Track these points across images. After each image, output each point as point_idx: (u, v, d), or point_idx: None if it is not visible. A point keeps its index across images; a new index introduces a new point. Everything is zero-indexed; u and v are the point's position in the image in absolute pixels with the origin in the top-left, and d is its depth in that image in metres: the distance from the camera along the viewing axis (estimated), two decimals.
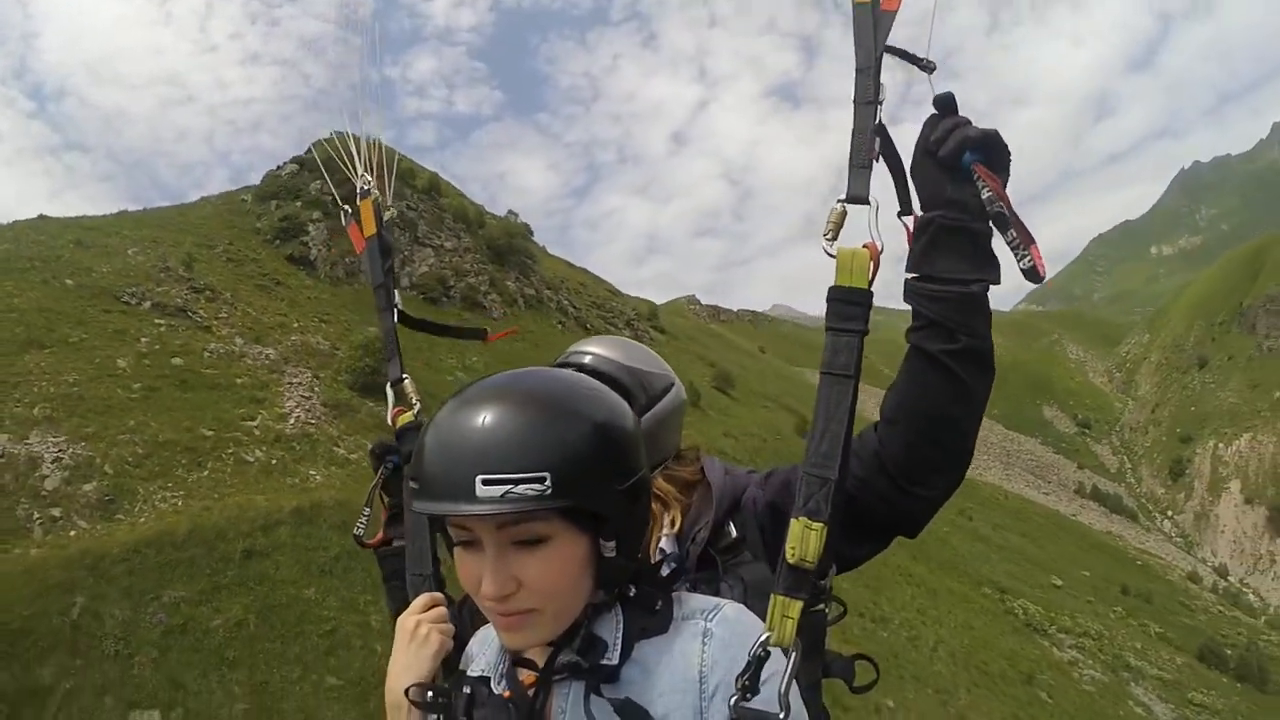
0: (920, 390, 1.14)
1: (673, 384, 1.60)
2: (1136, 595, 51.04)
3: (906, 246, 1.14)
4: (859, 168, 1.08)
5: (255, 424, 15.54)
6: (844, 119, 1.12)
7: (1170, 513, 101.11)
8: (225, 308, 21.70)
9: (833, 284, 1.05)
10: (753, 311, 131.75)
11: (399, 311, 1.60)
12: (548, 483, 0.85)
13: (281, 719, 8.76)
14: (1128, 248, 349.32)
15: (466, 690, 1.00)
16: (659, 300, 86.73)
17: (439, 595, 1.23)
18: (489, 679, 1.02)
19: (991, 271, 1.10)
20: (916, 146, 1.13)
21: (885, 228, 1.07)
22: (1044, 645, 31.74)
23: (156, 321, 18.90)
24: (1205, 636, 46.24)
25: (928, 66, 1.13)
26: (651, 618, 0.96)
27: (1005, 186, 1.07)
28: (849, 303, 1.04)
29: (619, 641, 0.94)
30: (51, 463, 11.65)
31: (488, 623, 1.05)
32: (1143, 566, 66.19)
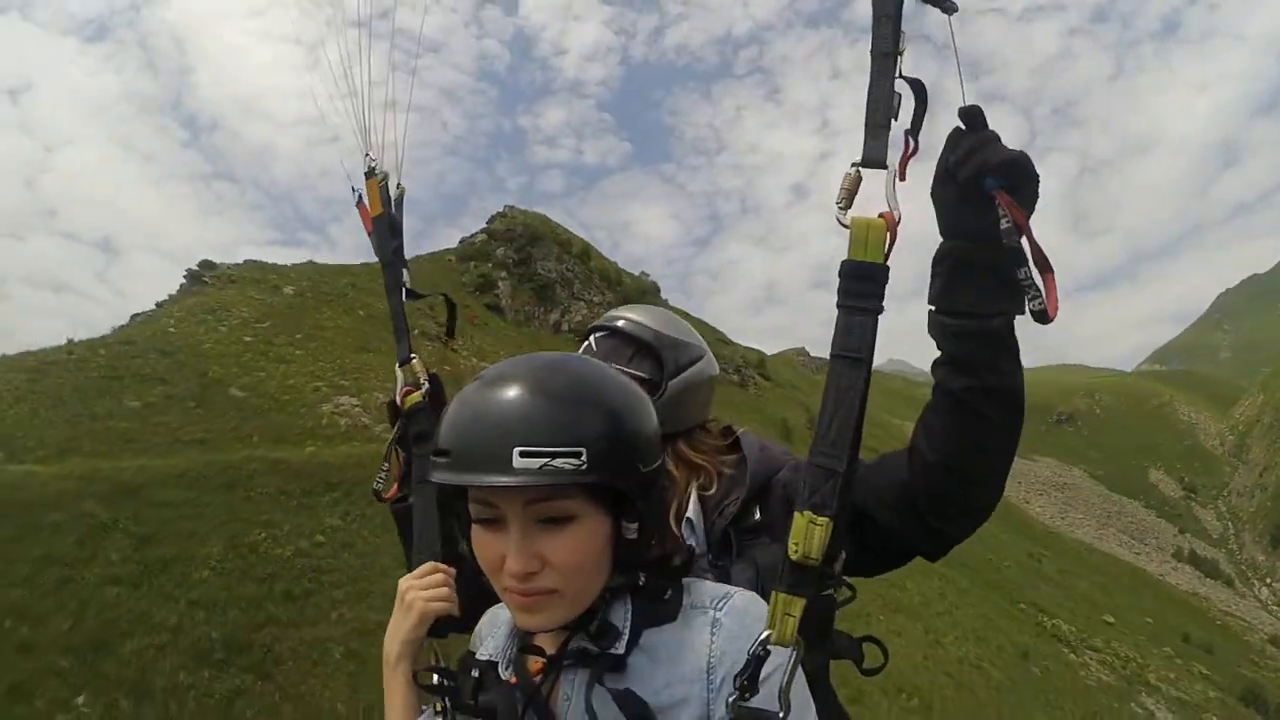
0: (943, 429, 1.14)
1: (703, 355, 1.63)
2: (1197, 644, 53.93)
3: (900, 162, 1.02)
4: (877, 127, 1.01)
5: None
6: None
7: (1269, 580, 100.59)
8: (460, 339, 32.75)
9: (845, 257, 0.98)
10: None
11: (407, 290, 1.65)
12: (584, 457, 0.88)
13: None
14: (1254, 303, 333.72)
15: (474, 674, 1.03)
16: (771, 350, 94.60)
17: (440, 565, 1.27)
18: (497, 663, 1.05)
19: (1014, 303, 1.04)
20: (937, 166, 1.06)
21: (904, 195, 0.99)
22: (1060, 649, 35.17)
23: (426, 343, 29.90)
24: (1256, 684, 48.71)
25: (949, 8, 1.03)
26: (661, 606, 0.99)
27: (1030, 214, 0.99)
28: (863, 278, 0.98)
29: (627, 630, 0.98)
30: None
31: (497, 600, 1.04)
32: (1221, 626, 68.57)
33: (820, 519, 0.94)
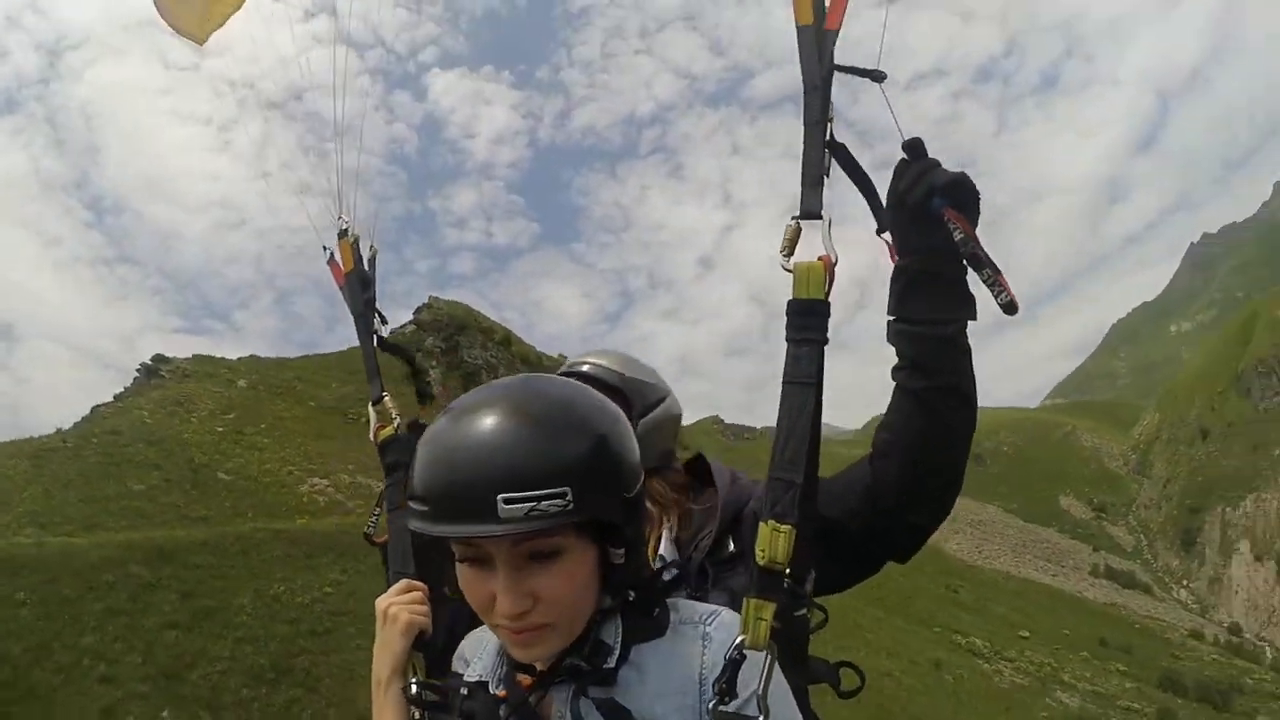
0: (906, 426, 1.23)
1: (667, 394, 1.71)
2: (1115, 646, 57.52)
3: (889, 262, 1.21)
4: (811, 185, 1.14)
5: None
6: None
7: (1185, 581, 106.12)
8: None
9: (790, 297, 1.10)
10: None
11: (378, 338, 1.78)
12: (569, 497, 0.85)
13: None
14: (1147, 329, 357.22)
15: (464, 691, 1.03)
16: (688, 420, 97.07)
17: (416, 582, 1.33)
18: (487, 683, 1.05)
19: (966, 311, 1.18)
20: (888, 194, 1.19)
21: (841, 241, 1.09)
22: (974, 660, 37.47)
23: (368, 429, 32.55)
24: (1174, 672, 52.18)
25: (878, 77, 1.17)
26: (649, 622, 1.01)
27: (975, 227, 1.12)
28: (808, 313, 1.09)
29: (618, 645, 0.99)
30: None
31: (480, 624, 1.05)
32: (1141, 629, 72.47)
33: (783, 527, 1.01)
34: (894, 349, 1.25)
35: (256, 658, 13.30)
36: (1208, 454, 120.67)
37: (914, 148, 1.17)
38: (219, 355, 38.92)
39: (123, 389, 33.83)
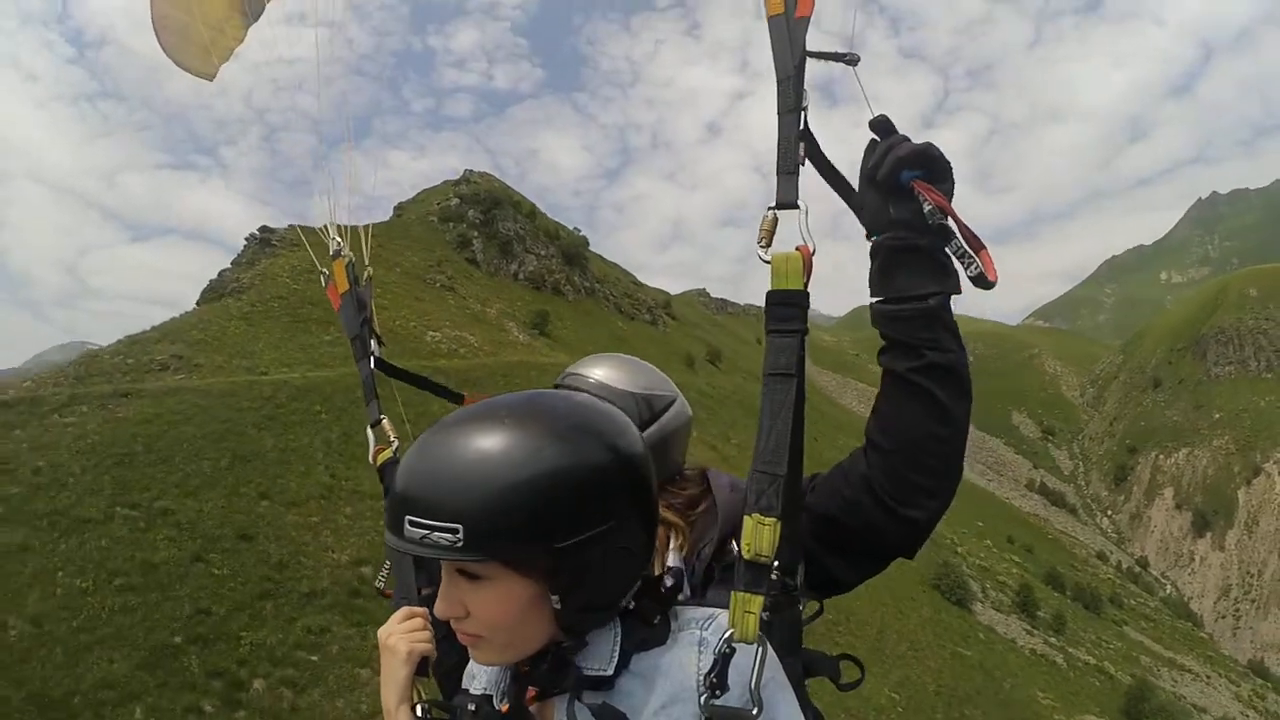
0: (896, 412, 1.21)
1: (672, 402, 1.67)
2: (1020, 545, 65.13)
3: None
4: (786, 174, 1.14)
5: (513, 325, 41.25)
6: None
7: (1110, 512, 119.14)
8: (460, 286, 46.29)
9: (769, 288, 1.11)
10: (759, 306, 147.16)
11: (375, 359, 1.88)
12: (460, 535, 0.90)
13: None
14: (1138, 272, 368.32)
15: (471, 708, 1.09)
16: (675, 289, 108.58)
17: (416, 609, 1.36)
18: (491, 696, 1.12)
19: (947, 282, 1.17)
20: (860, 174, 1.21)
21: (816, 231, 1.10)
22: None
23: (445, 292, 43.66)
24: (1059, 573, 59.50)
25: (851, 60, 1.19)
26: (650, 630, 1.03)
27: (951, 198, 1.14)
28: (786, 304, 1.10)
29: (616, 653, 1.02)
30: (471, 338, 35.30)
31: None
32: (1053, 540, 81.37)
33: (768, 519, 1.02)
34: (879, 333, 1.24)
35: None
36: (1155, 402, 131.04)
37: (882, 125, 1.19)
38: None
39: (237, 255, 42.79)
